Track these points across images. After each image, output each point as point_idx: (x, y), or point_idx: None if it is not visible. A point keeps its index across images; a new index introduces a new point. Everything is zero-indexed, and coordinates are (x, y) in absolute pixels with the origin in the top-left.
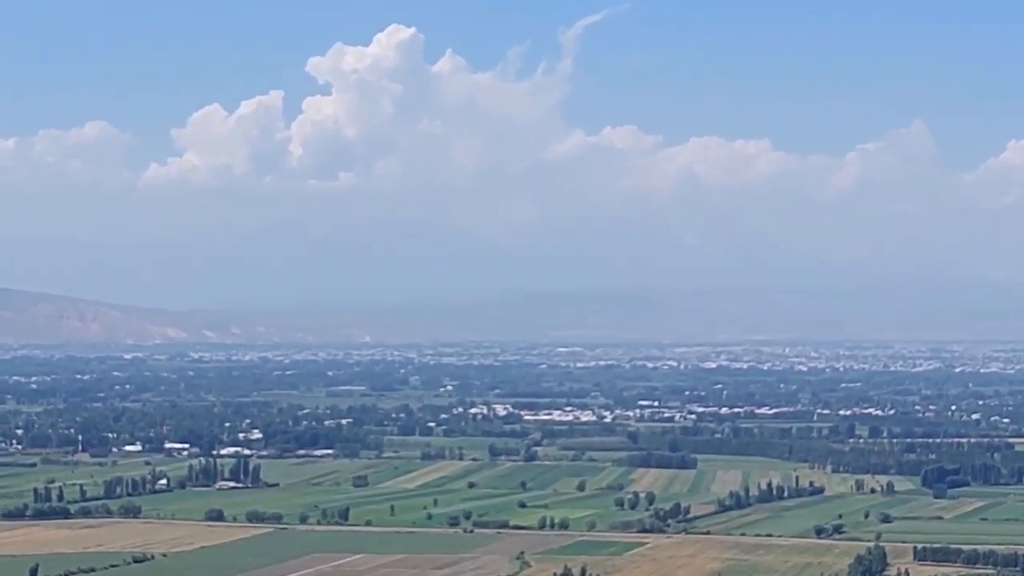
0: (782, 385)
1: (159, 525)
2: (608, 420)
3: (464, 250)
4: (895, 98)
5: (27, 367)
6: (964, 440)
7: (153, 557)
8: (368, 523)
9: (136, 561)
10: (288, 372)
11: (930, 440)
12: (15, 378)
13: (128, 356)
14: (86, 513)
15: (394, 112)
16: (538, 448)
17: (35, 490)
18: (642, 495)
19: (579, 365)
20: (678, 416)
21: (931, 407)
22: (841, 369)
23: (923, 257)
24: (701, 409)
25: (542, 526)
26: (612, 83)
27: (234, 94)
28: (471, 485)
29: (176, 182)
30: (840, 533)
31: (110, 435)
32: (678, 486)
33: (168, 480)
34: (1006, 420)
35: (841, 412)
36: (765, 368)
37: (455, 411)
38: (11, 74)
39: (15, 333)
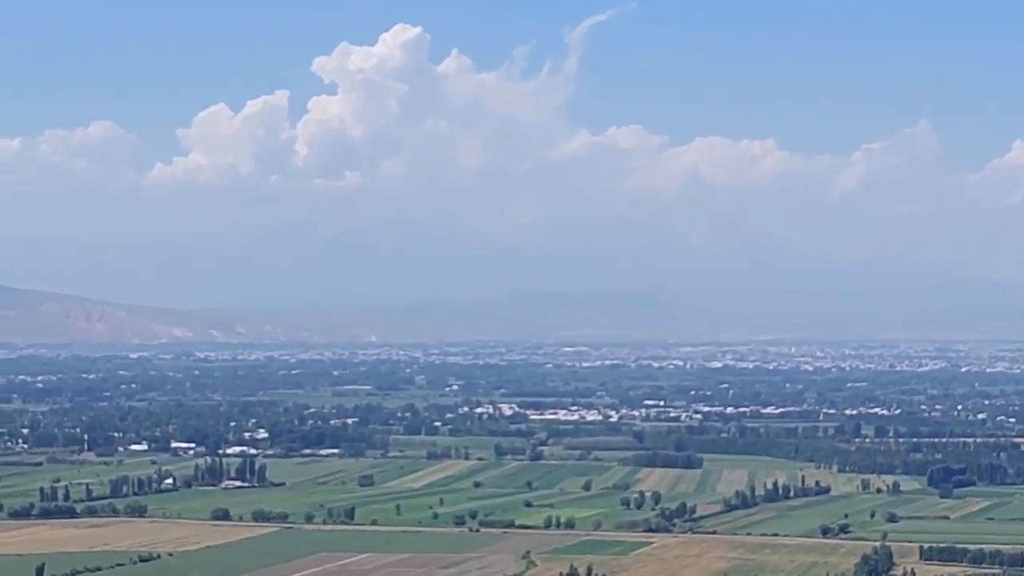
0: (788, 385)
1: (165, 524)
2: (614, 420)
3: (469, 250)
4: (900, 98)
5: (33, 366)
6: (970, 440)
7: (159, 556)
8: (374, 522)
9: (142, 560)
10: (294, 371)
11: (936, 440)
12: (21, 377)
13: (134, 355)
14: (92, 512)
15: (400, 112)
16: (544, 447)
17: (41, 489)
18: (648, 494)
19: (585, 365)
20: (684, 416)
21: (937, 407)
22: (847, 369)
23: (928, 257)
24: (707, 409)
25: (548, 525)
26: (617, 83)
27: (239, 94)
28: (477, 484)
29: (181, 182)
30: (846, 533)
31: (116, 434)
32: (684, 486)
33: (174, 479)
34: (1012, 420)
35: (847, 412)
36: (771, 368)
37: (461, 411)
38: (16, 74)
39: (21, 332)
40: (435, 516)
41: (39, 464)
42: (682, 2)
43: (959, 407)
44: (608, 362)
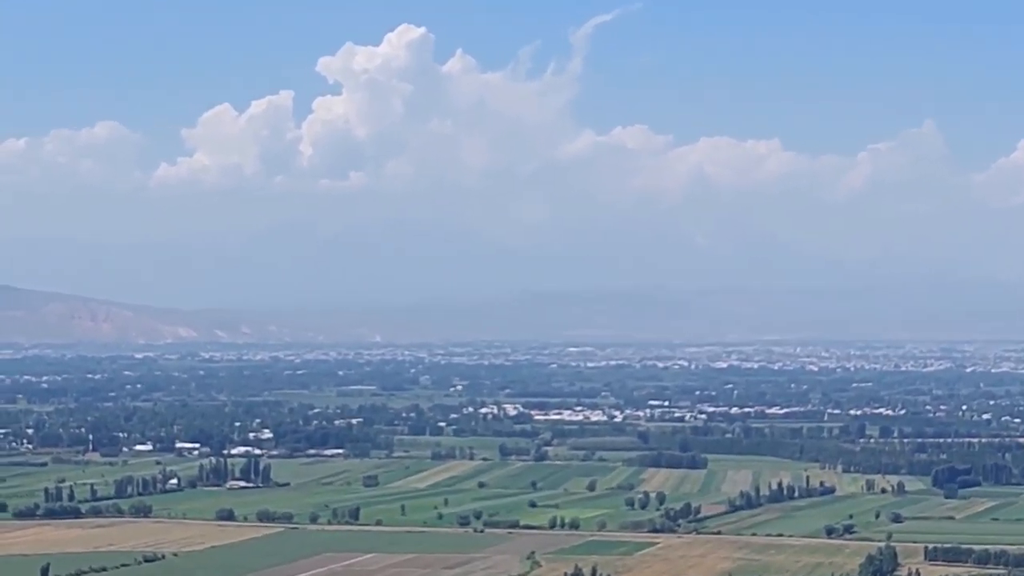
0: (793, 385)
1: (170, 525)
2: (618, 420)
3: (474, 250)
4: (906, 98)
5: (38, 367)
6: (975, 440)
7: (164, 557)
8: (379, 523)
9: (147, 560)
10: (299, 372)
11: (941, 440)
12: (26, 377)
13: (139, 356)
14: (97, 512)
15: (404, 112)
16: (548, 448)
17: (46, 490)
18: (652, 495)
19: (589, 365)
20: (689, 416)
21: (942, 407)
22: (852, 369)
23: (934, 257)
24: (712, 409)
25: (552, 526)
26: (622, 83)
27: (244, 94)
28: (481, 485)
29: (186, 182)
30: (851, 533)
31: (121, 434)
32: (689, 486)
33: (179, 480)
34: (1017, 420)
35: (852, 412)
36: (776, 368)
37: (465, 411)
38: (22, 74)
39: (26, 333)
40: (440, 516)
41: (44, 464)
42: (687, 2)
43: (964, 407)
44: (613, 362)
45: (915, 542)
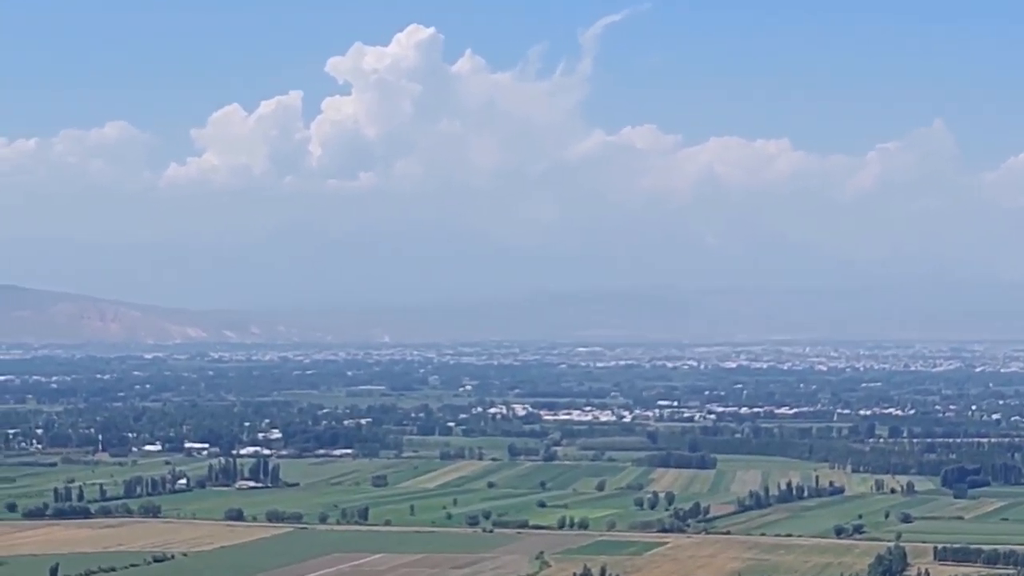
0: (802, 385)
1: (179, 525)
2: (628, 420)
3: (483, 250)
4: (915, 97)
5: (47, 367)
6: (984, 440)
7: (173, 557)
8: (388, 523)
9: (156, 561)
10: (308, 372)
11: (950, 440)
12: (36, 378)
13: (148, 356)
14: (106, 513)
15: (414, 112)
16: (558, 448)
17: (55, 490)
18: (662, 495)
19: (599, 365)
20: (698, 416)
21: (951, 407)
22: (861, 369)
23: (944, 257)
24: (721, 409)
25: (562, 526)
26: (632, 83)
27: (253, 94)
28: (491, 485)
29: (196, 182)
30: (860, 533)
31: (130, 435)
32: (698, 486)
33: (188, 480)
34: None
35: (861, 412)
36: (785, 368)
37: (475, 411)
38: (31, 75)
39: (36, 333)
40: (449, 516)
41: (53, 464)
42: (696, 2)
43: (973, 407)
44: (622, 362)
45: (924, 542)
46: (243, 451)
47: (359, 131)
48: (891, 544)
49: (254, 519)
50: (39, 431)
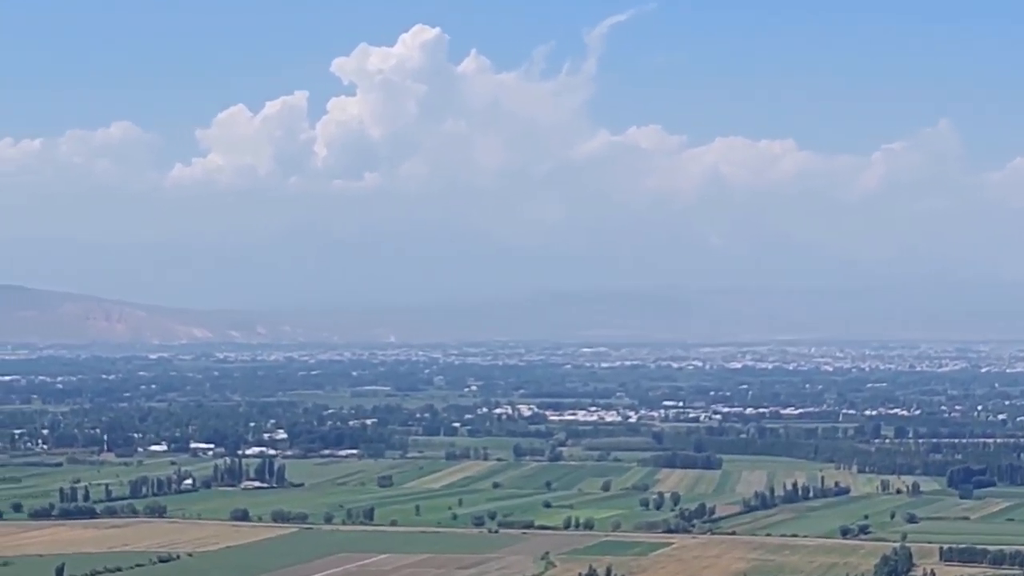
0: (807, 385)
1: (184, 525)
2: (633, 420)
3: (488, 250)
4: (921, 97)
5: (53, 367)
6: (990, 440)
7: (179, 557)
8: (393, 523)
9: (161, 561)
10: (313, 372)
11: (956, 440)
12: (41, 378)
13: (154, 356)
14: (112, 513)
15: (419, 112)
16: (563, 448)
17: (61, 490)
18: (667, 495)
19: (604, 365)
20: (703, 416)
21: (957, 407)
22: (867, 369)
23: (949, 256)
24: (726, 409)
25: (567, 526)
26: (637, 83)
27: (259, 94)
28: (496, 485)
29: (201, 183)
30: (866, 533)
31: (136, 435)
32: (703, 486)
33: (193, 480)
34: None
35: (867, 412)
36: (790, 368)
37: (480, 411)
38: (37, 75)
39: (41, 333)
40: (454, 517)
41: (59, 465)
42: (702, 2)
43: (979, 408)
44: (627, 363)
45: (930, 542)
46: (248, 451)
47: (364, 131)
48: (897, 545)
49: (259, 519)
50: (45, 431)
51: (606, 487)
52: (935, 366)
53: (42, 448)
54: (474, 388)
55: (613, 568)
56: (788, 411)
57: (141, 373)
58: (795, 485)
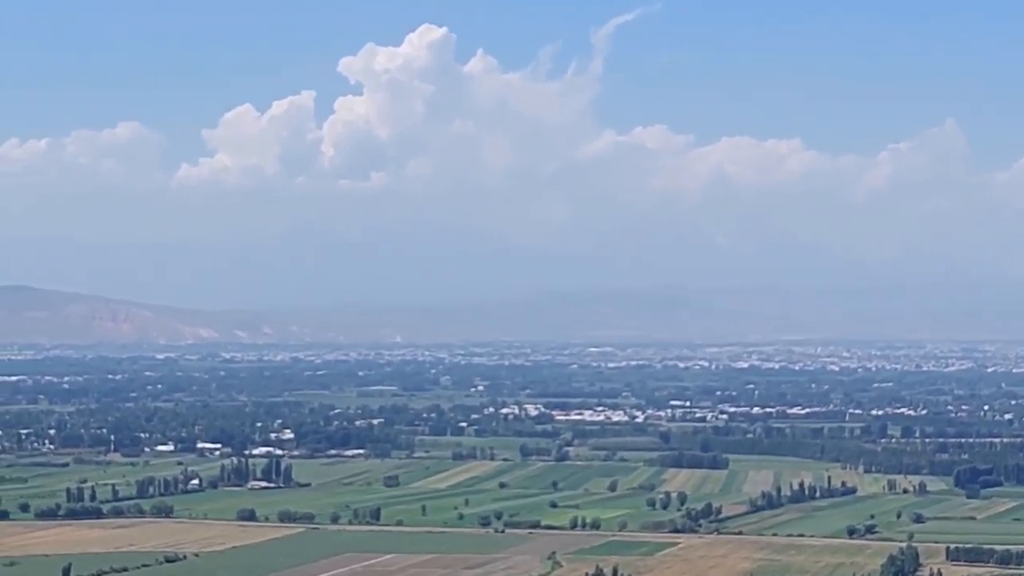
0: (814, 385)
1: (191, 525)
2: (639, 420)
3: (495, 250)
4: (927, 97)
5: (59, 367)
6: (997, 440)
7: (185, 557)
8: (399, 523)
9: (168, 561)
10: (319, 372)
11: (963, 440)
12: (47, 378)
13: (160, 356)
14: (118, 513)
15: (425, 112)
16: (569, 448)
17: (68, 490)
18: (674, 495)
19: (610, 365)
20: (710, 416)
21: (964, 407)
22: (873, 369)
23: (955, 256)
24: (733, 409)
25: (573, 526)
26: (643, 83)
27: (265, 94)
28: (502, 485)
29: (208, 183)
30: (872, 533)
31: (142, 435)
32: (710, 486)
33: (200, 480)
34: None
35: (873, 412)
36: (797, 368)
37: (486, 411)
38: (43, 75)
39: (48, 333)
40: (460, 517)
41: (66, 465)
42: (707, 2)
43: (986, 407)
44: (634, 362)
45: (937, 542)
46: (255, 451)
47: (371, 131)
48: (903, 544)
49: (266, 519)
50: (51, 431)
51: (612, 487)
52: (941, 366)
53: (49, 448)
54: (480, 388)
55: (620, 568)
56: (794, 411)
57: (147, 373)
58: (801, 485)
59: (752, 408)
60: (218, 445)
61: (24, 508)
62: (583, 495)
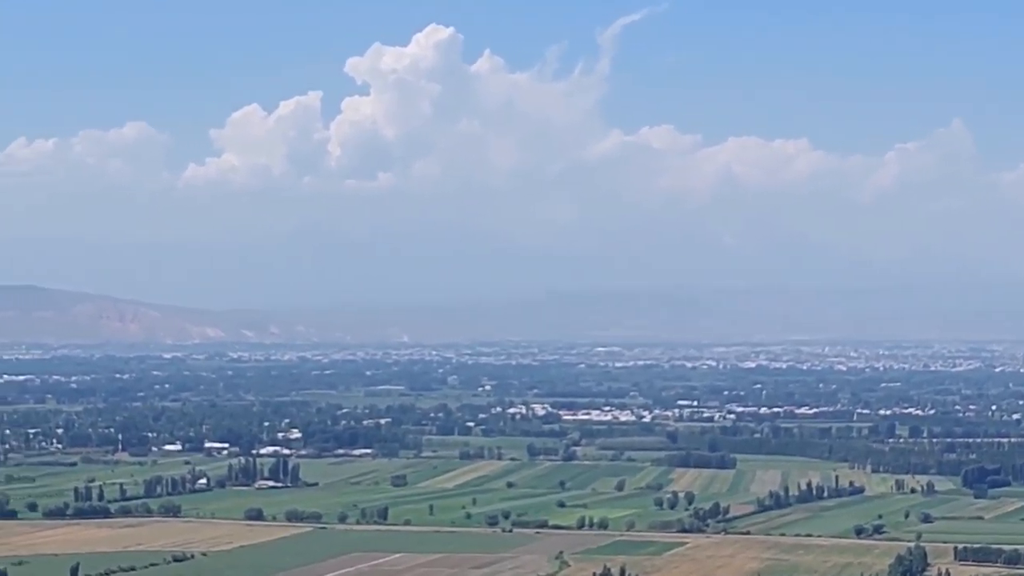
0: (821, 385)
1: (199, 524)
2: (647, 420)
3: (502, 250)
4: (934, 97)
5: (67, 367)
6: (1004, 440)
7: (193, 556)
8: (407, 522)
9: (176, 560)
10: (327, 372)
11: (970, 440)
12: (55, 378)
13: (167, 356)
14: (126, 512)
15: (432, 112)
16: (577, 448)
17: (76, 489)
18: (681, 495)
19: (618, 365)
20: (717, 416)
21: (971, 407)
22: (881, 369)
23: (963, 256)
24: (740, 409)
25: (581, 526)
26: (650, 83)
27: (272, 94)
28: (510, 485)
29: (215, 183)
30: (880, 533)
31: (150, 434)
32: (717, 486)
33: (208, 479)
34: None
35: (881, 412)
36: (804, 368)
37: (494, 411)
38: (50, 75)
39: (55, 333)
40: (468, 516)
41: (73, 464)
42: (714, 2)
43: (993, 407)
44: (641, 362)
45: (945, 542)
46: (263, 451)
47: (378, 131)
48: (911, 544)
49: (274, 519)
50: (59, 431)
51: (620, 487)
52: (949, 366)
53: (56, 448)
54: (488, 388)
55: (627, 568)
56: (802, 411)
57: (155, 373)
58: (809, 485)
59: (760, 408)
60: (225, 444)
61: (32, 507)
62: (591, 495)
